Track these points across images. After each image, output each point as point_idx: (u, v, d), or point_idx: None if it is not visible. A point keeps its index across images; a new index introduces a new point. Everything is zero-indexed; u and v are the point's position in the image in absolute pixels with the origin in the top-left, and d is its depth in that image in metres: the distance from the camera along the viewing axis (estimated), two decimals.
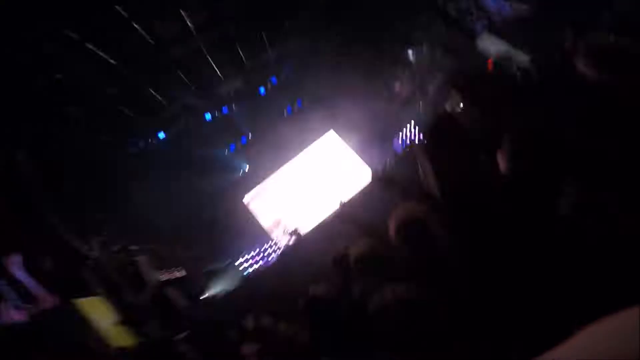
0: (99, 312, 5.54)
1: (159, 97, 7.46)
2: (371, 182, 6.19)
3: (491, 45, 7.21)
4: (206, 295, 7.76)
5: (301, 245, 6.62)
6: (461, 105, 8.38)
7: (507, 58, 6.70)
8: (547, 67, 4.66)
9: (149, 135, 8.38)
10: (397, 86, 10.95)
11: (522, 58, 6.67)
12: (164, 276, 7.44)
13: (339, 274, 1.74)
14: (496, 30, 6.99)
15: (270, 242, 10.45)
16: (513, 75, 6.69)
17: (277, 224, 10.21)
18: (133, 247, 7.37)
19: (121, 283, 6.31)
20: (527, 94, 3.89)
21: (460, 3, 7.24)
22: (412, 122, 11.08)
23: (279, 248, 9.79)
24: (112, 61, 5.99)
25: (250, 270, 8.50)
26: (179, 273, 8.23)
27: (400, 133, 11.34)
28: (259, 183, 11.54)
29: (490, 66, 7.31)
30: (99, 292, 5.86)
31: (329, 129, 12.43)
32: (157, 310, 6.25)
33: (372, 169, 11.25)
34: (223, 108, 9.15)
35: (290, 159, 11.71)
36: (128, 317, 5.71)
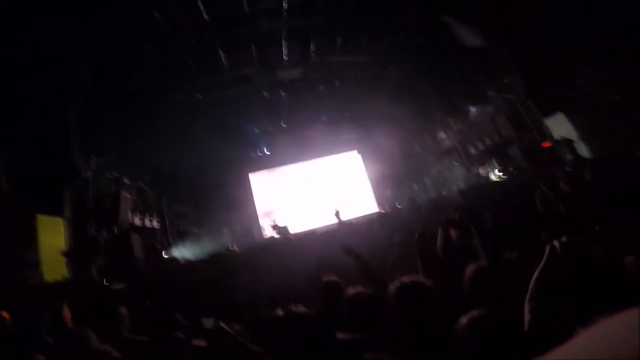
0: (52, 235, 5.35)
1: (225, 59, 7.43)
2: (374, 217, 5.94)
3: (558, 126, 6.96)
4: (170, 256, 7.47)
5: (284, 244, 6.35)
6: (496, 175, 8.17)
7: (568, 142, 6.48)
8: (606, 167, 4.43)
9: (197, 90, 8.45)
10: (441, 135, 10.77)
11: (582, 147, 6.50)
12: (138, 221, 7.21)
13: (323, 298, 1.55)
14: (574, 110, 6.67)
15: (258, 227, 10.28)
16: (563, 161, 6.54)
17: (270, 213, 10.01)
18: (126, 181, 7.21)
19: (93, 211, 6.11)
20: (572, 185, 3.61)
21: (553, 75, 6.83)
22: (441, 176, 10.88)
23: (263, 237, 9.54)
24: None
25: (225, 247, 8.21)
26: (155, 224, 8.01)
27: (424, 182, 11.13)
28: (269, 168, 11.47)
29: (545, 144, 7.03)
30: (66, 213, 5.66)
31: (354, 149, 12.70)
32: (112, 252, 5.94)
33: (380, 204, 11.11)
34: (272, 90, 9.19)
35: (308, 160, 11.64)
36: (77, 250, 5.42)
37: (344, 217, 8.42)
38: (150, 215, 8.03)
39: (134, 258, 5.98)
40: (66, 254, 5.14)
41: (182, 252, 7.93)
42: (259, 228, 10.21)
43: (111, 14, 5.37)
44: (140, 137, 7.63)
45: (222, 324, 1.28)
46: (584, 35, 5.69)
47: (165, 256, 7.26)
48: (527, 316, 0.91)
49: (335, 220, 8.59)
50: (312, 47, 7.83)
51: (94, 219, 6.09)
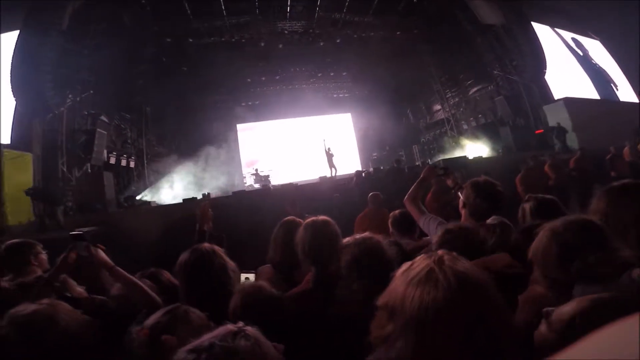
0: (19, 173, 4.82)
1: (223, 7, 7.08)
2: (353, 179, 5.82)
3: (556, 113, 6.94)
4: (143, 198, 7.30)
5: (260, 194, 6.21)
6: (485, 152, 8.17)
7: (560, 130, 6.49)
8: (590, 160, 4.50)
9: (189, 34, 7.84)
10: (436, 107, 10.50)
11: (571, 138, 6.59)
12: (113, 158, 6.86)
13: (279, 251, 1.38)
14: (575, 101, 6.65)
15: (240, 176, 10.14)
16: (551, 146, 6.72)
17: (253, 163, 9.83)
18: (103, 119, 6.75)
19: (68, 145, 5.70)
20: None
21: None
22: (429, 146, 10.80)
23: (244, 186, 9.42)
24: None
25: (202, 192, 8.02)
26: (132, 164, 7.64)
27: (411, 149, 10.98)
28: (258, 120, 11.06)
29: (538, 131, 7.03)
30: (35, 148, 5.20)
31: (347, 111, 12.12)
32: (82, 191, 5.68)
33: (364, 165, 10.97)
34: (270, 40, 8.57)
35: (299, 116, 11.24)
36: (44, 189, 4.92)
37: (328, 178, 8.33)
38: (127, 155, 7.68)
39: (104, 199, 5.72)
40: (31, 193, 4.57)
41: (157, 194, 7.73)
42: (241, 177, 10.07)
43: None
44: (125, 77, 7.30)
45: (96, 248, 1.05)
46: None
47: (138, 198, 7.03)
48: None
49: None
50: (319, 1, 7.45)
51: (66, 155, 5.73)
